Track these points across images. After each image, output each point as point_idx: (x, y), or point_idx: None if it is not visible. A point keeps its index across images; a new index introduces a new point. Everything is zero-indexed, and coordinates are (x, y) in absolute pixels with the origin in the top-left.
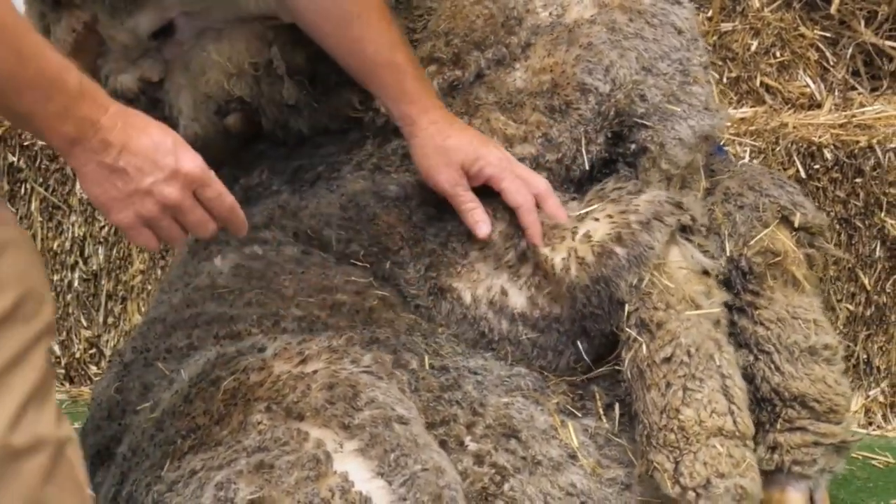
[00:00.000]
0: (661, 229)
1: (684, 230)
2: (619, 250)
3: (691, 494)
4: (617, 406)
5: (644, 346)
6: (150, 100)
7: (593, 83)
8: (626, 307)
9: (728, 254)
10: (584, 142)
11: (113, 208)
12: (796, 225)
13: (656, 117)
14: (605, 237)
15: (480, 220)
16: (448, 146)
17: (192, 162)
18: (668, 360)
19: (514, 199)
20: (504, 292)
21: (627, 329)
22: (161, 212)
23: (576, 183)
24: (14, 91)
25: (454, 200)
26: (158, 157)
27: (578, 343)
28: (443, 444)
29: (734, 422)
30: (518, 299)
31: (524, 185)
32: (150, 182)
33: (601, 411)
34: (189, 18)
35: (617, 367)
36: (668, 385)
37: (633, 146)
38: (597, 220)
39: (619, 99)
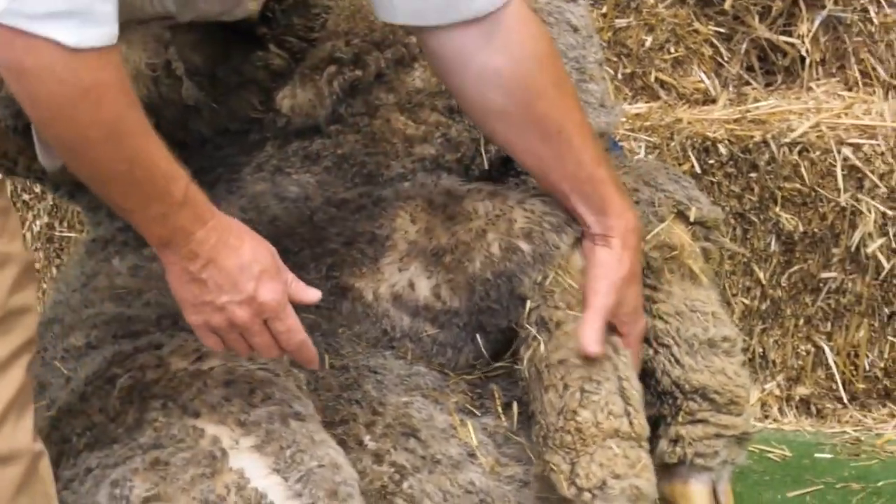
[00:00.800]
0: (569, 232)
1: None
2: (525, 246)
3: (587, 495)
4: (515, 405)
5: (542, 346)
6: None
7: None
8: (528, 304)
9: None
10: (482, 141)
11: (186, 309)
12: (692, 219)
13: None
14: (517, 231)
15: (595, 340)
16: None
17: (271, 294)
18: (564, 361)
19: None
20: (411, 284)
21: (527, 326)
22: (229, 327)
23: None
24: (119, 191)
25: (591, 311)
26: (240, 281)
27: (478, 337)
28: (342, 443)
29: (630, 423)
30: (423, 291)
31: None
32: (224, 300)
33: (500, 410)
34: None
35: (515, 366)
36: (566, 387)
37: None
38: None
39: None
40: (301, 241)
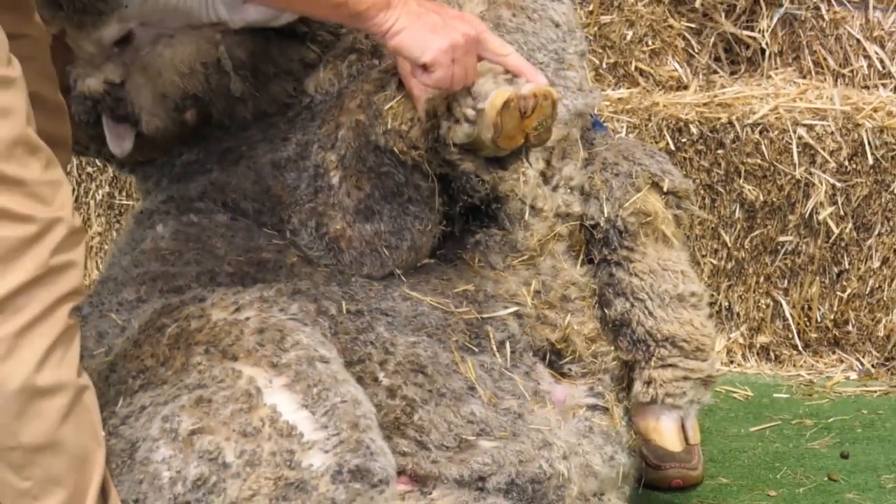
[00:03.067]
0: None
1: None
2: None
3: None
4: (508, 343)
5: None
6: (115, 99)
7: None
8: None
9: (606, 215)
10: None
11: (433, 53)
12: (665, 189)
13: None
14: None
15: None
16: None
17: (467, 26)
18: None
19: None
20: (348, 193)
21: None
22: (467, 43)
23: None
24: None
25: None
26: (443, 11)
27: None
28: (360, 380)
29: None
30: (353, 195)
31: None
32: (435, 22)
33: (494, 348)
34: (146, 28)
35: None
36: None
37: None
38: None
39: None
40: (287, 207)
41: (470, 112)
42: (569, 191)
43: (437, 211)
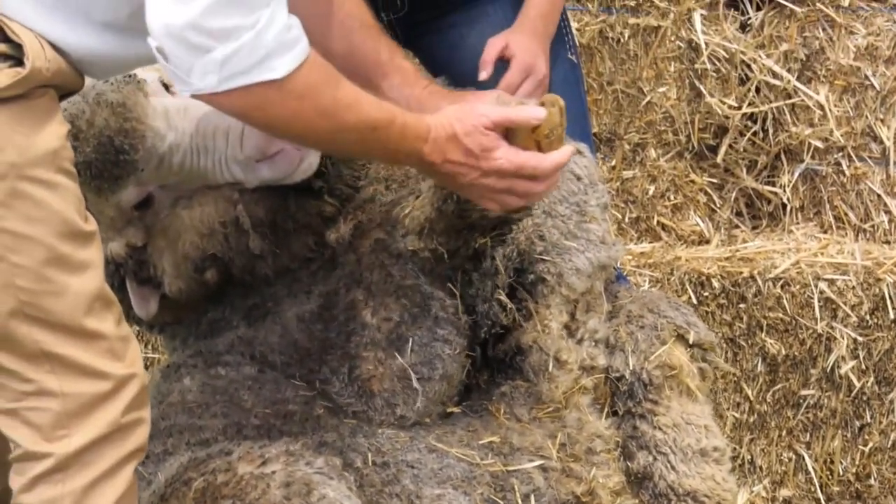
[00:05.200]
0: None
1: None
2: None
3: None
4: (533, 497)
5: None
6: (137, 262)
7: None
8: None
9: (631, 368)
10: None
11: (471, 197)
12: (690, 342)
13: (555, 252)
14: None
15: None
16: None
17: (482, 140)
18: None
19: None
20: (379, 327)
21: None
22: (500, 180)
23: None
24: (360, 150)
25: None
26: (470, 161)
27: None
28: None
29: None
30: (381, 327)
31: None
32: (471, 178)
33: (520, 501)
34: (164, 190)
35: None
36: None
37: (531, 277)
38: None
39: (520, 241)
40: (317, 359)
41: None
42: (593, 344)
43: (463, 334)
